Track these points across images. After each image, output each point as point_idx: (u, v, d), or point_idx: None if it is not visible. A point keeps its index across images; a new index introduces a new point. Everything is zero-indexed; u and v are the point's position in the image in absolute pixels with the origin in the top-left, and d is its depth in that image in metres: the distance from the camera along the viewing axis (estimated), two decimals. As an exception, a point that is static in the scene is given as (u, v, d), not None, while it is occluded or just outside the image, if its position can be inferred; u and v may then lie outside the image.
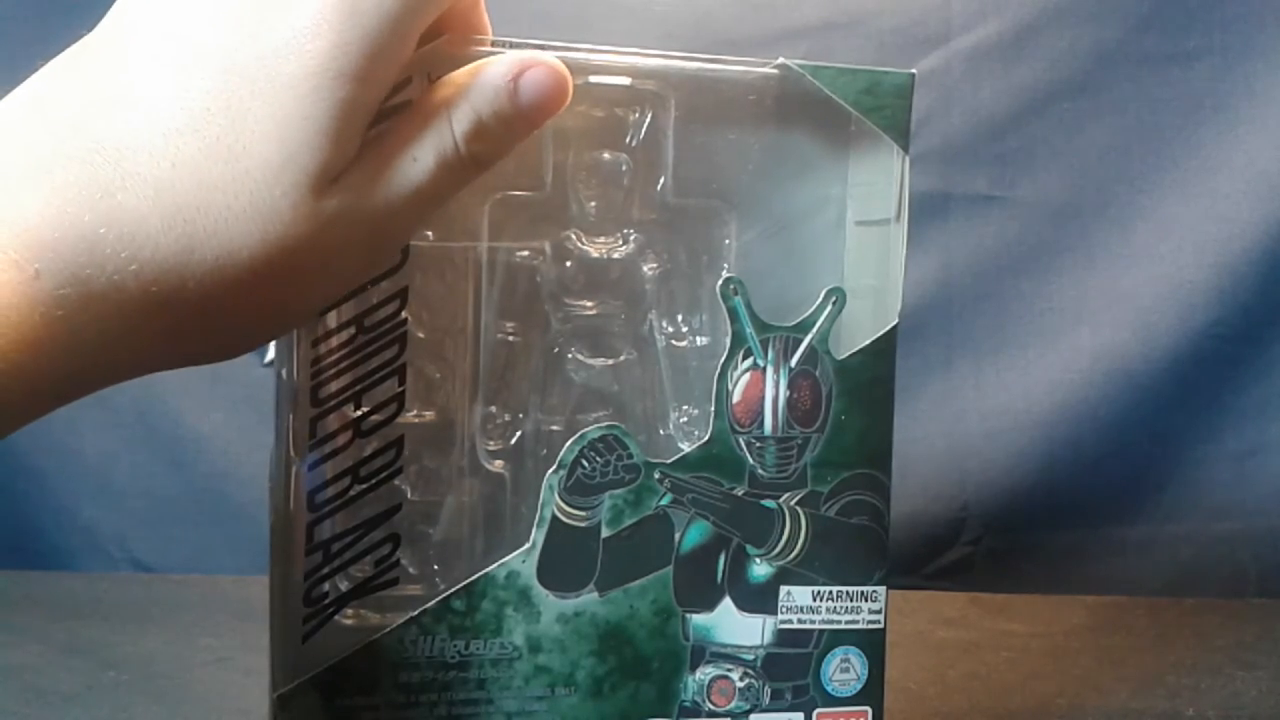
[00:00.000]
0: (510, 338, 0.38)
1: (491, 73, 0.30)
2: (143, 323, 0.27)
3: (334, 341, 0.34)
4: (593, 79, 0.36)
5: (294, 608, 0.34)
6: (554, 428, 0.38)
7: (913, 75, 0.38)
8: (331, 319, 0.34)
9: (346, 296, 0.33)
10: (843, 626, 0.39)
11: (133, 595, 0.73)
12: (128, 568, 0.82)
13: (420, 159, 0.29)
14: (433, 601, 0.35)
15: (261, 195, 0.27)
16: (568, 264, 0.38)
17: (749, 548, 0.38)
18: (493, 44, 0.33)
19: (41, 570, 0.80)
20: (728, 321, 0.37)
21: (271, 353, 0.35)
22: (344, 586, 0.35)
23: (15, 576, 0.77)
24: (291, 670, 0.34)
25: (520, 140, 0.31)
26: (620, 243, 0.38)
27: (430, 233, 0.36)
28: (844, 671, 0.39)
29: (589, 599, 0.36)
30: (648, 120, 0.37)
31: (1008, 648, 0.64)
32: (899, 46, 0.79)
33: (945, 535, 0.81)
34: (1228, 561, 0.81)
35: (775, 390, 0.37)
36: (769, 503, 0.38)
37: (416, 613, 0.35)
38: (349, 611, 0.35)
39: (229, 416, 0.81)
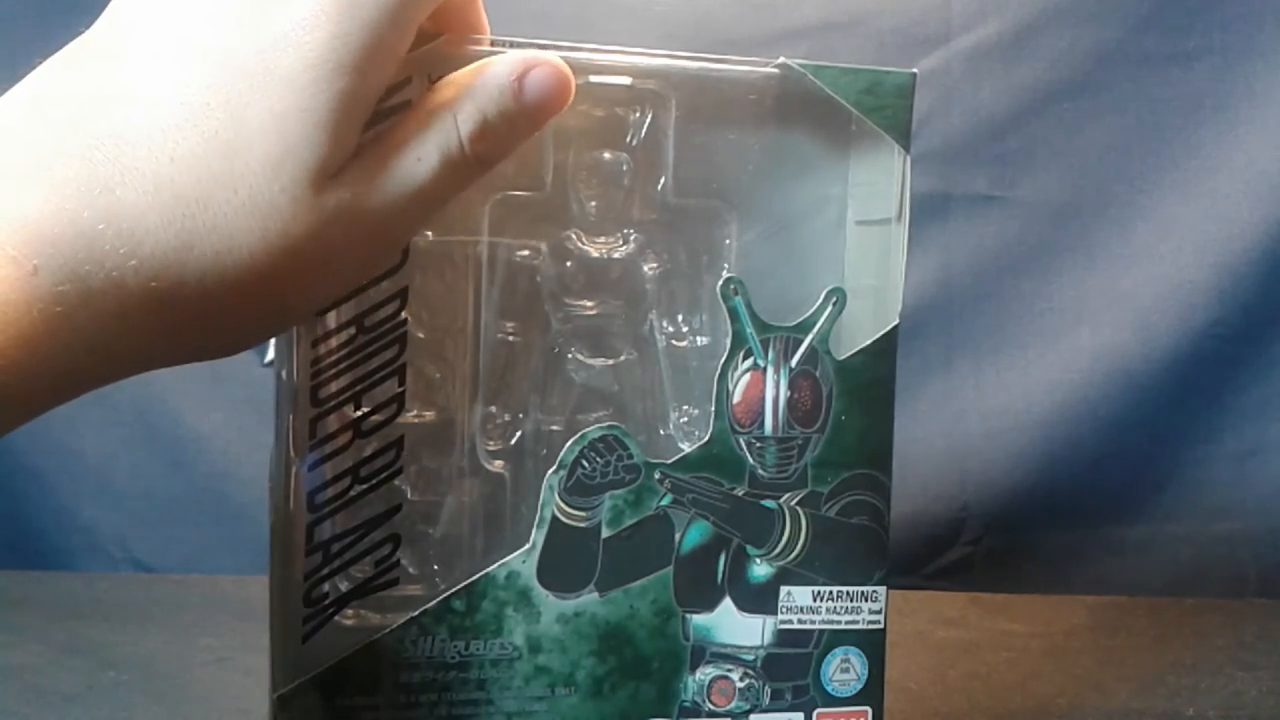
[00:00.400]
0: (510, 338, 0.38)
1: (495, 72, 0.30)
2: (142, 319, 0.27)
3: (334, 341, 0.34)
4: (593, 79, 0.36)
5: (294, 608, 0.34)
6: (554, 428, 0.38)
7: (914, 75, 0.38)
8: (331, 319, 0.34)
9: (346, 296, 0.33)
10: (843, 626, 0.39)
11: (133, 595, 0.73)
12: (128, 568, 0.82)
13: (425, 159, 0.29)
14: (433, 602, 0.35)
15: (260, 190, 0.27)
16: (568, 264, 0.38)
17: (749, 548, 0.38)
18: (492, 43, 0.33)
19: (41, 570, 0.80)
20: (728, 321, 0.37)
21: (271, 353, 0.35)
22: (344, 587, 0.35)
23: (15, 576, 0.77)
24: (291, 670, 0.34)
25: (524, 140, 0.31)
26: (620, 243, 0.38)
27: (430, 232, 0.36)
28: (844, 671, 0.39)
29: (589, 599, 0.36)
30: (648, 120, 0.37)
31: (1008, 648, 0.64)
32: (899, 46, 0.79)
33: (945, 535, 0.81)
34: (1228, 561, 0.81)
35: (775, 390, 0.37)
36: (769, 503, 0.38)
37: (417, 613, 0.35)
38: (349, 611, 0.35)
39: (229, 416, 0.81)
